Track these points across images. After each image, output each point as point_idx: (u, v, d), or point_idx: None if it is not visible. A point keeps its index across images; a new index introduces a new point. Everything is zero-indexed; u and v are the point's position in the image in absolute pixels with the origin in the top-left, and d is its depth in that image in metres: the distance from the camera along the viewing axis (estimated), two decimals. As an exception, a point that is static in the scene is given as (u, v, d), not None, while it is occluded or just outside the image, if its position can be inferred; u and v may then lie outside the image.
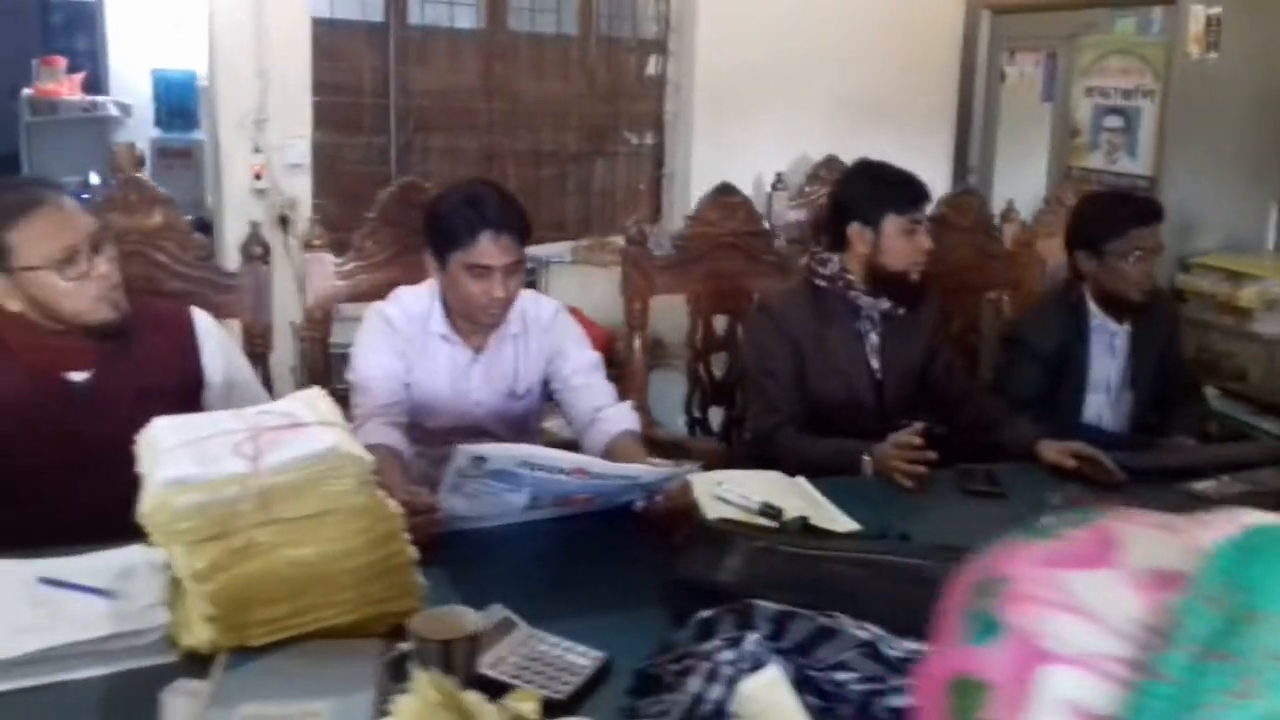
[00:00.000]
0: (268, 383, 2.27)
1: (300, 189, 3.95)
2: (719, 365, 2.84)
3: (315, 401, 1.53)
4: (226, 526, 1.29)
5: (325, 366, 2.46)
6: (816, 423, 2.24)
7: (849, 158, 4.56)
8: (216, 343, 1.97)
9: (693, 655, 1.24)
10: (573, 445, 2.02)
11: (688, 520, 1.69)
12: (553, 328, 2.17)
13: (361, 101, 4.15)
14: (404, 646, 1.23)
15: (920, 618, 0.88)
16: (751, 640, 1.24)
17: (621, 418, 2.06)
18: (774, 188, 4.58)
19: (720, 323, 2.80)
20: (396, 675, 1.20)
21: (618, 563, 1.63)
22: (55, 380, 1.80)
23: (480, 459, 1.53)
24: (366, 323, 2.11)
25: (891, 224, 2.21)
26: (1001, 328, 2.60)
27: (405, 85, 4.22)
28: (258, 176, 3.85)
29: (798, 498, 1.85)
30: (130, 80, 6.69)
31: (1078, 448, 2.06)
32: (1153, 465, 2.09)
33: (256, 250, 2.28)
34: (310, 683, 1.22)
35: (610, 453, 1.95)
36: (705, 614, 1.30)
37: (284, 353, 3.88)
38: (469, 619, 1.18)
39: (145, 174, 6.42)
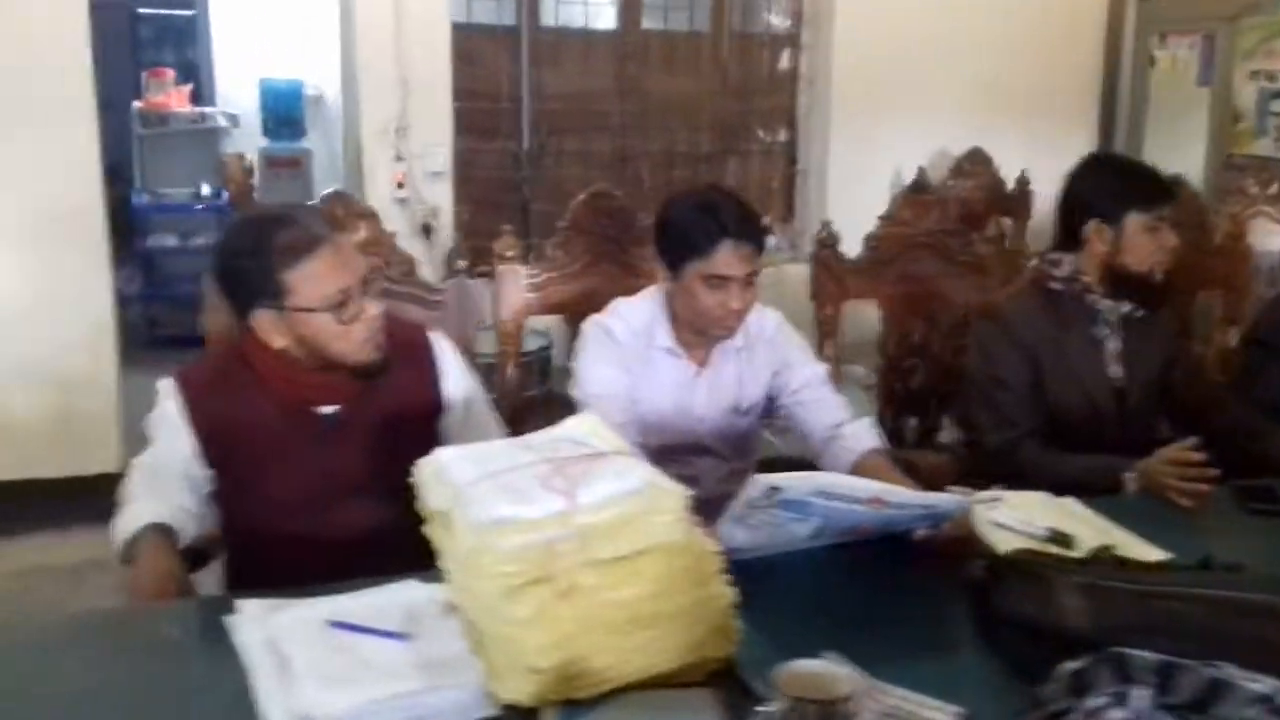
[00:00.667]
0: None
1: (441, 197, 3.89)
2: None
3: (596, 428, 1.44)
4: (546, 569, 1.19)
5: (520, 382, 2.37)
6: (1054, 435, 2.10)
7: (989, 149, 4.46)
8: (455, 367, 1.88)
9: (1072, 713, 1.12)
10: (797, 464, 1.91)
11: (973, 549, 1.57)
12: (777, 340, 2.06)
13: (496, 107, 4.08)
14: (767, 709, 1.11)
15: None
16: (1138, 696, 1.12)
17: (864, 435, 1.94)
18: (916, 183, 4.42)
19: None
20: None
21: (917, 598, 1.51)
22: (306, 414, 1.74)
23: (775, 489, 1.41)
24: (587, 336, 2.01)
25: (1134, 221, 2.05)
26: (1244, 329, 2.43)
27: (537, 88, 4.14)
28: (400, 185, 3.79)
29: (1080, 522, 1.71)
30: (236, 91, 6.71)
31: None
32: None
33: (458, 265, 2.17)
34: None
35: (859, 473, 1.82)
36: (1073, 665, 1.17)
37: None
38: (840, 678, 1.07)
39: (255, 183, 6.49)
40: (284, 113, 6.58)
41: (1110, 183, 2.10)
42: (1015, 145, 4.50)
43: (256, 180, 6.33)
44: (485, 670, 1.22)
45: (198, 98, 6.80)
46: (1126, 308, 2.12)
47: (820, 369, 2.06)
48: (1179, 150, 4.60)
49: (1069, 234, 2.13)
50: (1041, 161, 4.48)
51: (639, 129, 4.32)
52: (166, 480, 1.71)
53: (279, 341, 1.68)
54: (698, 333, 1.98)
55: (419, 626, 1.33)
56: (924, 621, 1.44)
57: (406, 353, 1.80)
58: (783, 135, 4.58)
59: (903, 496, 1.50)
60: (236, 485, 1.74)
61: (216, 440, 1.71)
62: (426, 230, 3.82)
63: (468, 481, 1.27)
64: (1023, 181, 4.44)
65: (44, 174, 3.29)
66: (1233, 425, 2.11)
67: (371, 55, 3.68)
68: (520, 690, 1.18)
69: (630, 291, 2.10)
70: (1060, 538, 1.61)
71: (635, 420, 1.93)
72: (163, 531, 1.65)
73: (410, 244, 3.82)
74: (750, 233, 1.88)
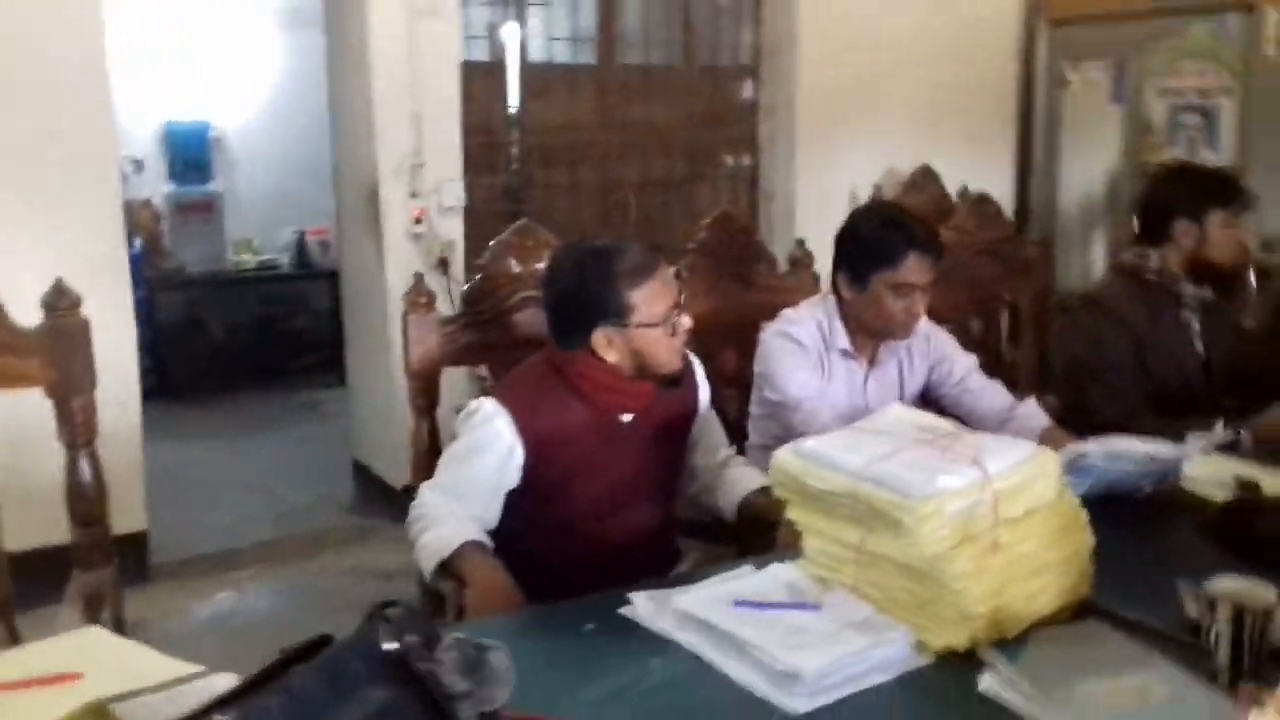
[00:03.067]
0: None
1: (455, 231, 3.96)
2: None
3: (911, 414, 1.64)
4: (970, 530, 1.38)
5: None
6: (1156, 408, 2.41)
7: (930, 168, 4.84)
8: (704, 380, 2.06)
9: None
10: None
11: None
12: (933, 336, 2.30)
13: (492, 141, 4.18)
14: (1193, 609, 1.33)
15: None
16: None
17: (1036, 413, 2.21)
18: (874, 199, 4.78)
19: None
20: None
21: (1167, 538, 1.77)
22: (611, 422, 1.90)
23: (1082, 454, 1.65)
24: (775, 346, 2.20)
25: (1217, 218, 2.40)
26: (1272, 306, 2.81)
27: (525, 122, 4.27)
28: (418, 221, 3.85)
29: (1242, 470, 2.00)
30: (138, 133, 6.46)
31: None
32: None
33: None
34: (1099, 664, 1.32)
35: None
36: None
37: (456, 392, 3.91)
38: (1266, 591, 1.30)
39: (164, 229, 6.29)
40: (191, 155, 6.41)
41: (1195, 186, 2.44)
42: (953, 162, 4.91)
43: (166, 226, 6.20)
44: (916, 625, 1.40)
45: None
46: (1208, 294, 2.45)
47: (973, 359, 2.31)
48: (1094, 161, 5.12)
49: (1154, 232, 2.46)
50: (976, 175, 4.93)
51: (621, 159, 4.50)
52: (477, 496, 1.83)
53: (613, 356, 1.86)
54: (876, 336, 2.20)
55: (813, 599, 1.49)
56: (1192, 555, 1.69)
57: None
58: (746, 160, 4.85)
59: (1168, 451, 1.76)
60: (545, 493, 1.87)
61: (539, 454, 1.85)
62: (444, 265, 3.90)
63: (863, 466, 1.44)
64: (965, 195, 4.84)
65: (69, 230, 3.25)
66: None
67: (387, 93, 3.73)
68: (958, 637, 1.37)
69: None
70: (1249, 483, 1.90)
71: (836, 418, 2.13)
72: (484, 548, 1.75)
73: (428, 278, 3.90)
74: (933, 245, 2.12)
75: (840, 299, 2.21)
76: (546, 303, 1.93)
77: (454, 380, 3.72)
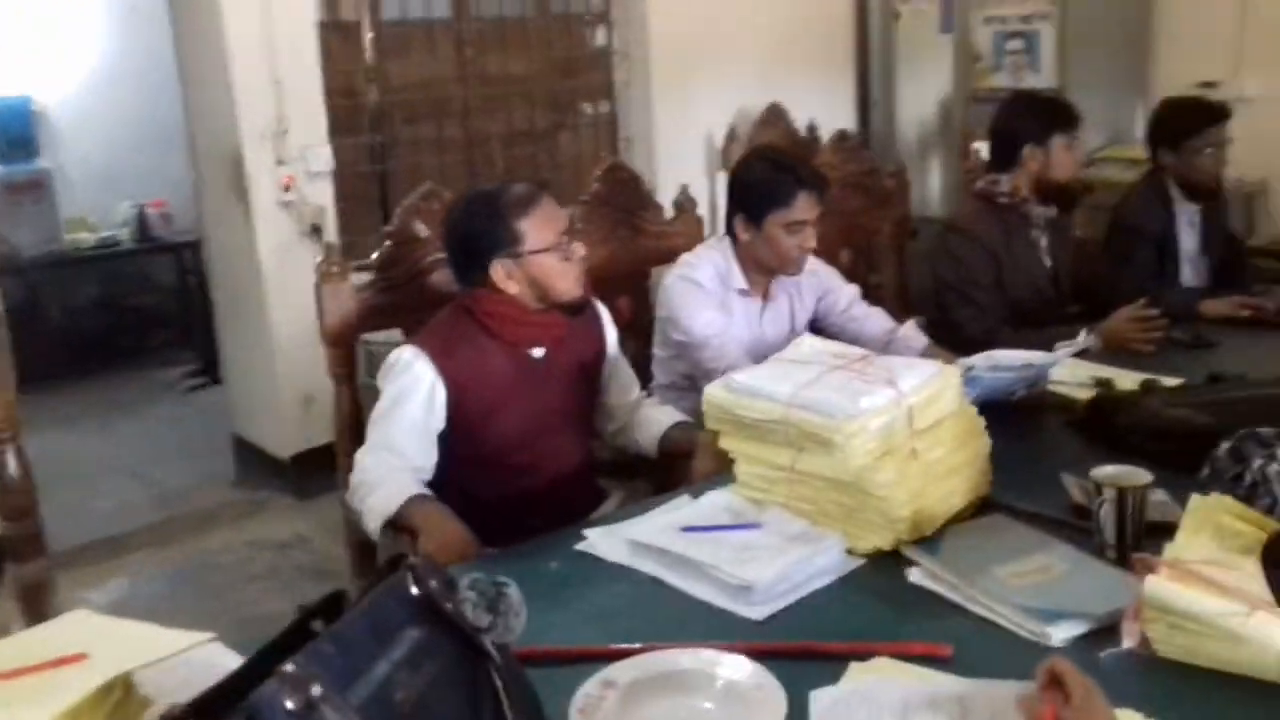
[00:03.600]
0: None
1: (325, 196, 3.94)
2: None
3: (819, 343, 1.81)
4: (891, 443, 1.55)
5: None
6: (1011, 318, 2.65)
7: (779, 105, 5.03)
8: (611, 323, 2.16)
9: (1246, 473, 1.62)
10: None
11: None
12: (817, 270, 2.48)
13: (352, 102, 4.15)
14: (1078, 495, 1.55)
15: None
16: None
17: (915, 335, 2.41)
18: (729, 139, 4.94)
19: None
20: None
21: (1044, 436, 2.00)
22: (524, 357, 2.00)
23: (969, 367, 1.84)
24: (677, 290, 2.33)
25: (1059, 142, 2.64)
26: (1111, 221, 3.08)
27: (385, 81, 4.25)
28: (286, 188, 3.81)
29: (1094, 371, 2.25)
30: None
31: (1241, 299, 2.58)
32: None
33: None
34: (1005, 550, 1.51)
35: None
36: (1226, 444, 1.67)
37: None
38: (1139, 473, 1.51)
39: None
40: (13, 132, 6.11)
41: (1039, 114, 2.67)
42: (799, 98, 5.11)
43: (-6, 206, 5.89)
44: (846, 533, 1.57)
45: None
46: (1053, 212, 2.70)
47: (856, 289, 2.50)
48: (927, 89, 5.42)
49: (1004, 159, 2.69)
50: (821, 110, 5.15)
51: (483, 112, 4.52)
52: (411, 443, 1.92)
53: (513, 288, 1.96)
54: (771, 273, 2.36)
55: (753, 519, 1.64)
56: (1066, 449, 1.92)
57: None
58: (605, 107, 4.94)
59: (1043, 358, 1.98)
60: (469, 431, 1.96)
61: (460, 392, 1.94)
62: (317, 231, 3.87)
63: (792, 393, 1.60)
64: (812, 129, 5.07)
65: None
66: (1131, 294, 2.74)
67: (244, 59, 3.65)
68: (884, 539, 1.54)
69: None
70: (1105, 381, 2.15)
71: (741, 353, 2.29)
72: (429, 498, 1.84)
73: (301, 246, 3.88)
74: (819, 183, 2.28)
75: (735, 241, 2.35)
76: (447, 246, 2.04)
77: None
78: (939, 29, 5.24)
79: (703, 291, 2.32)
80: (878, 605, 1.46)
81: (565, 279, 1.97)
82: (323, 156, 3.88)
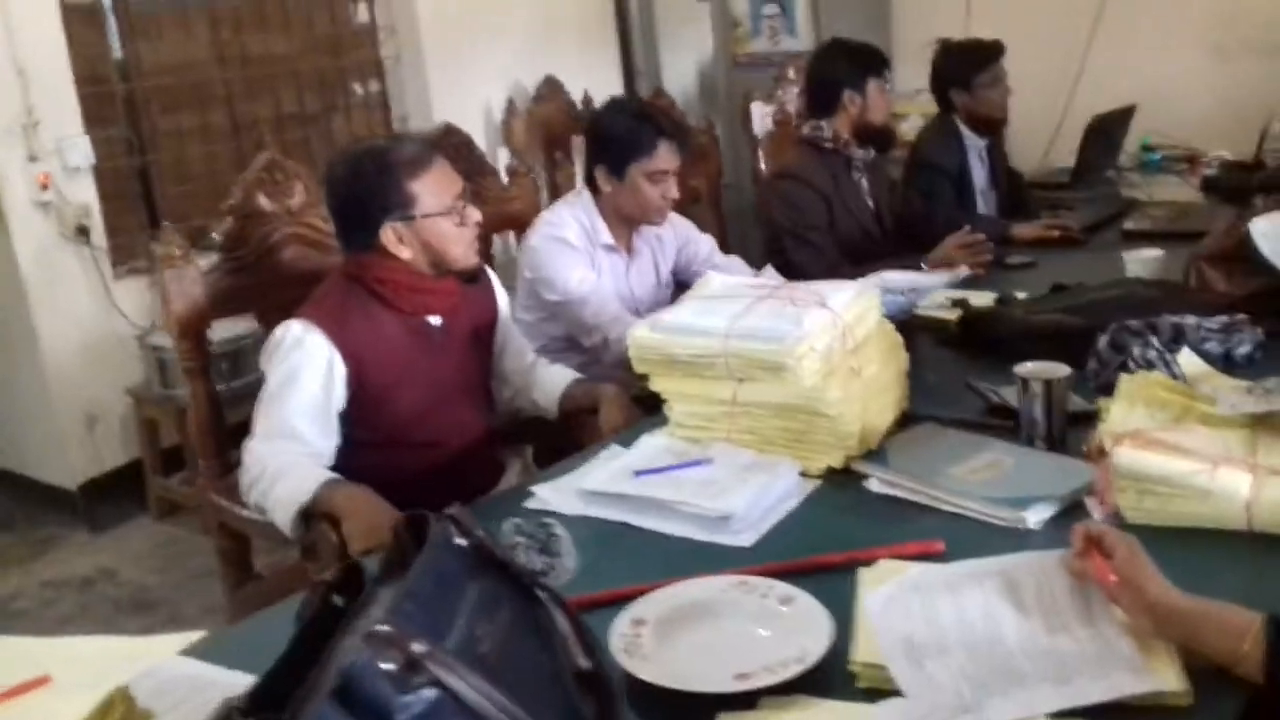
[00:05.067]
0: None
1: (88, 193, 3.57)
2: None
3: (722, 280, 1.82)
4: (833, 362, 1.58)
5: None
6: (843, 257, 2.77)
7: (554, 78, 5.03)
8: (501, 288, 2.07)
9: (1128, 360, 1.77)
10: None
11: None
12: (674, 220, 2.49)
13: (102, 91, 3.78)
14: (1004, 393, 1.64)
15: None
16: (1150, 341, 1.81)
17: (777, 277, 2.46)
18: (509, 113, 4.87)
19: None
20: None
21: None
22: (422, 325, 1.89)
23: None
24: (543, 249, 2.28)
25: (874, 86, 2.77)
26: (911, 160, 3.26)
27: (137, 67, 3.90)
28: (44, 187, 3.43)
29: (944, 294, 2.39)
30: None
31: (1047, 221, 2.81)
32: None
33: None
34: (949, 453, 1.58)
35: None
36: (1104, 337, 1.82)
37: (124, 370, 3.57)
38: (1060, 368, 1.61)
39: None
40: None
41: (855, 60, 2.78)
42: (569, 70, 5.11)
43: None
44: (796, 456, 1.59)
45: None
46: (872, 154, 2.84)
47: (711, 238, 2.53)
48: (689, 56, 5.55)
49: (822, 105, 2.79)
50: (590, 80, 5.17)
51: (249, 96, 4.23)
52: (311, 425, 1.78)
53: (406, 252, 1.84)
54: (633, 225, 2.35)
55: (700, 455, 1.64)
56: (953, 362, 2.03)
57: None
58: (375, 86, 4.74)
59: (929, 281, 2.07)
60: (369, 408, 1.84)
61: (359, 366, 1.81)
62: (84, 233, 3.49)
63: (728, 325, 1.60)
64: (587, 101, 5.08)
65: None
66: (945, 226, 2.92)
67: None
68: (835, 457, 1.58)
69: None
70: (962, 301, 2.28)
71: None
72: (342, 480, 1.71)
73: (65, 251, 3.51)
74: (679, 132, 2.29)
75: (597, 195, 2.32)
76: (331, 207, 1.91)
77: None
78: (696, -3, 5.37)
79: (571, 249, 2.28)
80: (851, 517, 1.49)
81: (460, 244, 1.87)
82: (80, 149, 3.52)
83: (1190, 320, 1.86)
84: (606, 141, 2.29)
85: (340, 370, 1.80)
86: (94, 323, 3.59)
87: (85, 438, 3.61)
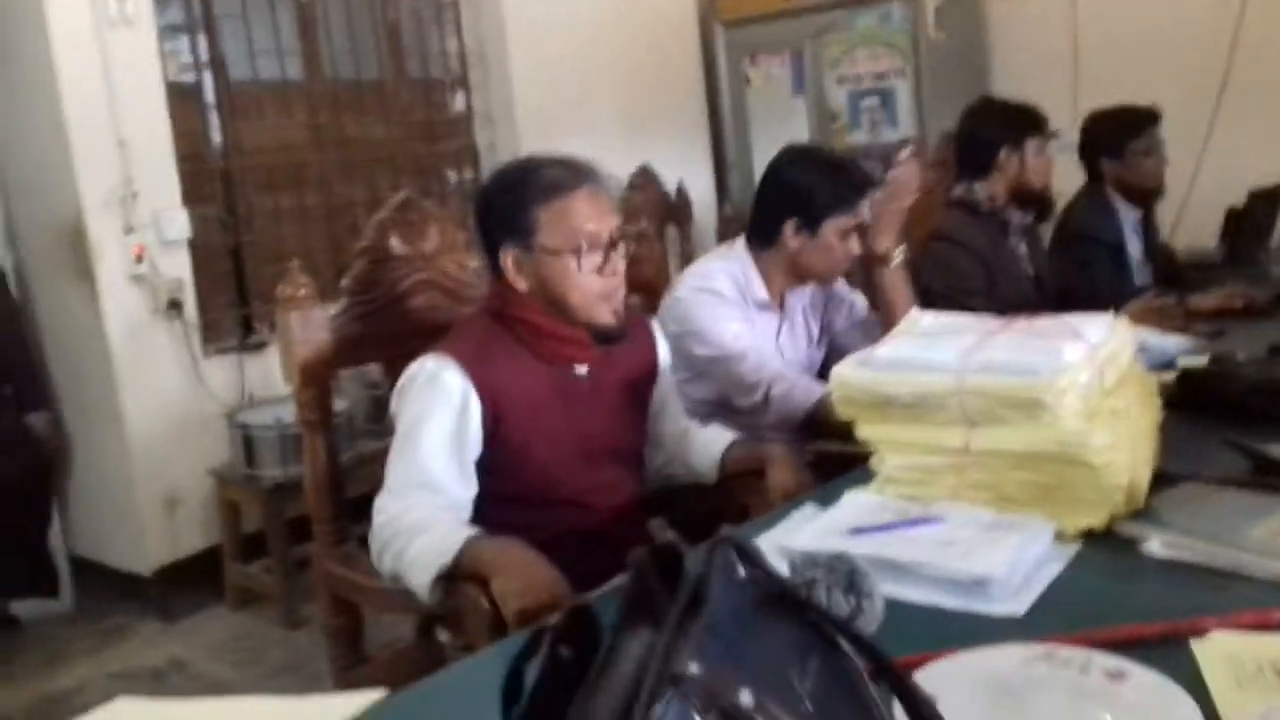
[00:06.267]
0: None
1: (182, 268, 3.45)
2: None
3: (942, 316, 1.59)
4: (1092, 403, 1.33)
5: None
6: (1006, 328, 2.53)
7: (649, 167, 4.92)
8: (663, 341, 1.88)
9: None
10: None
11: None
12: (821, 278, 2.27)
13: (202, 169, 3.69)
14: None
15: None
16: None
17: None
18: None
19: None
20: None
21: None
22: (565, 372, 1.69)
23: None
24: (697, 301, 2.07)
25: (1032, 146, 2.57)
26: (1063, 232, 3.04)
27: (235, 146, 3.82)
28: (139, 259, 3.30)
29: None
30: None
31: (1228, 290, 2.55)
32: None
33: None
34: (1239, 514, 1.30)
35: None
36: None
37: (209, 451, 3.37)
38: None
39: None
40: None
41: (1011, 118, 2.59)
42: (660, 160, 5.00)
43: None
44: (1049, 515, 1.32)
45: None
46: (1030, 219, 2.62)
47: (861, 295, 2.30)
48: (784, 151, 5.43)
49: (978, 165, 2.59)
50: (682, 171, 5.05)
51: (344, 178, 4.13)
52: (446, 471, 1.57)
53: (522, 284, 1.64)
54: (804, 282, 2.14)
55: (924, 514, 1.37)
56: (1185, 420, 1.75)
57: (631, 322, 1.77)
58: (469, 174, 4.65)
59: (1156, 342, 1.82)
60: (507, 458, 1.62)
61: (497, 407, 1.60)
62: (176, 307, 3.35)
63: (962, 359, 1.36)
64: (681, 191, 4.95)
65: None
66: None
67: (82, 113, 3.15)
68: (1097, 516, 1.31)
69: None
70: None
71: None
72: (497, 537, 1.47)
73: (156, 326, 3.37)
74: (873, 185, 2.09)
75: (765, 249, 2.12)
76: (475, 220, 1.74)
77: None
78: (791, 92, 5.27)
79: (725, 302, 2.07)
80: (1134, 584, 1.22)
81: (580, 294, 1.63)
82: (178, 222, 3.41)
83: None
84: (800, 194, 2.07)
85: (476, 408, 1.59)
86: (181, 401, 3.43)
87: (164, 521, 3.41)
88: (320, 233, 4.07)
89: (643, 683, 0.66)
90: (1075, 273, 2.87)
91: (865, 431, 1.44)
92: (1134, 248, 2.99)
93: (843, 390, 1.44)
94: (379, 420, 3.53)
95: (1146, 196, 2.97)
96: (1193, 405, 1.81)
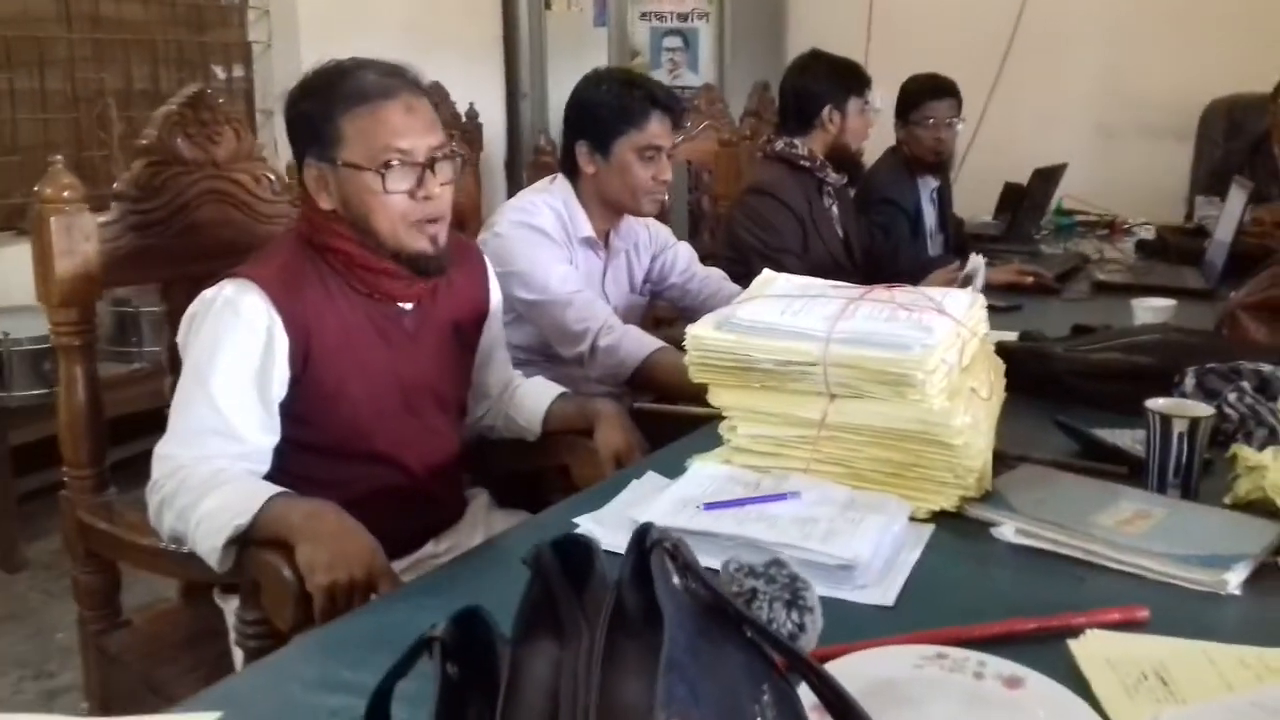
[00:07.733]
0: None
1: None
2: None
3: (795, 279, 1.52)
4: (954, 382, 1.29)
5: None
6: (816, 286, 2.52)
7: (441, 85, 4.66)
8: (494, 279, 1.69)
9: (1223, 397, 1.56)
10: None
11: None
12: (649, 224, 2.16)
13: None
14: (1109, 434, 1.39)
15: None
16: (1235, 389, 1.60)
17: None
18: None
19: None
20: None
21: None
22: (386, 310, 1.51)
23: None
24: (519, 239, 1.91)
25: (854, 106, 2.54)
26: (867, 196, 3.05)
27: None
28: None
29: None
30: None
31: (1018, 266, 2.64)
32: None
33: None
34: (1082, 500, 1.30)
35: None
36: (1184, 386, 1.61)
37: None
38: (1202, 407, 1.37)
39: None
40: None
41: (837, 75, 2.55)
42: (450, 81, 4.74)
43: None
44: (906, 493, 1.28)
45: None
46: (844, 179, 2.61)
47: (689, 246, 2.21)
48: (580, 83, 5.26)
49: (799, 121, 2.54)
50: (473, 96, 4.81)
51: (95, 62, 3.65)
52: (245, 411, 1.37)
53: (326, 203, 1.45)
54: (619, 214, 2.01)
55: (776, 489, 1.30)
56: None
57: (461, 254, 1.59)
58: (238, 71, 4.22)
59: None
60: (313, 403, 1.43)
61: (306, 344, 1.40)
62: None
63: (828, 329, 1.29)
64: (473, 114, 4.72)
65: None
66: (910, 263, 2.71)
67: None
68: (949, 498, 1.28)
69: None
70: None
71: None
72: (305, 498, 1.29)
73: None
74: (674, 105, 1.97)
75: (577, 180, 1.98)
76: None
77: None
78: (593, 22, 5.10)
79: (550, 241, 1.92)
80: (995, 573, 1.19)
81: (389, 219, 1.43)
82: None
83: (1266, 368, 1.68)
84: (589, 115, 1.95)
85: (282, 343, 1.39)
86: None
87: None
88: (64, 118, 3.59)
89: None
90: (879, 237, 2.91)
91: (719, 398, 1.36)
92: (930, 217, 3.06)
93: (698, 353, 1.34)
94: (124, 343, 3.19)
95: (925, 165, 3.03)
96: (1013, 384, 1.84)
